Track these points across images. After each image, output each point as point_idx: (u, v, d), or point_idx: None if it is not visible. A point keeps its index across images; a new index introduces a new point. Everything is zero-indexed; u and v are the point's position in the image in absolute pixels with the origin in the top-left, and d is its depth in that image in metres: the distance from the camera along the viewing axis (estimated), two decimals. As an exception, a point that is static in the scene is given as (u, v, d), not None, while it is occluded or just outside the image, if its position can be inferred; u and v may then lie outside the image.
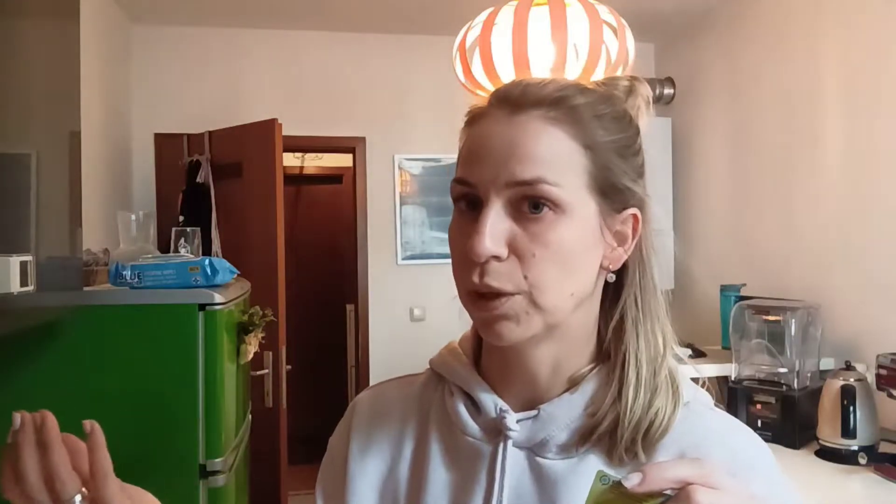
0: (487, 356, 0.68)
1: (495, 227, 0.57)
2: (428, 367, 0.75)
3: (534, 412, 0.63)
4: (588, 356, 0.65)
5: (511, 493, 0.62)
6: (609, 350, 0.64)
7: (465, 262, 0.59)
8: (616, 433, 0.60)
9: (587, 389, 0.63)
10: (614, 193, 0.61)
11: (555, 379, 0.64)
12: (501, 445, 0.63)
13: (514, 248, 0.58)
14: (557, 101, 0.59)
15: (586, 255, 0.60)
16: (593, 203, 0.60)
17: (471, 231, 0.58)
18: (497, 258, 0.58)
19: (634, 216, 0.62)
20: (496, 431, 0.64)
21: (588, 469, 0.60)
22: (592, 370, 0.64)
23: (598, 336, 0.66)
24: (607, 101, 0.62)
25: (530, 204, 0.58)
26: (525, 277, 0.58)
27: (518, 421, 0.63)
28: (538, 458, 0.62)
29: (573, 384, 0.64)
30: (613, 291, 0.65)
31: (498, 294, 0.58)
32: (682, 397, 0.62)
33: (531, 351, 0.63)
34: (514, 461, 0.63)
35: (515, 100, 0.60)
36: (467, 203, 0.61)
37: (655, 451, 0.60)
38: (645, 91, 0.67)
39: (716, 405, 0.67)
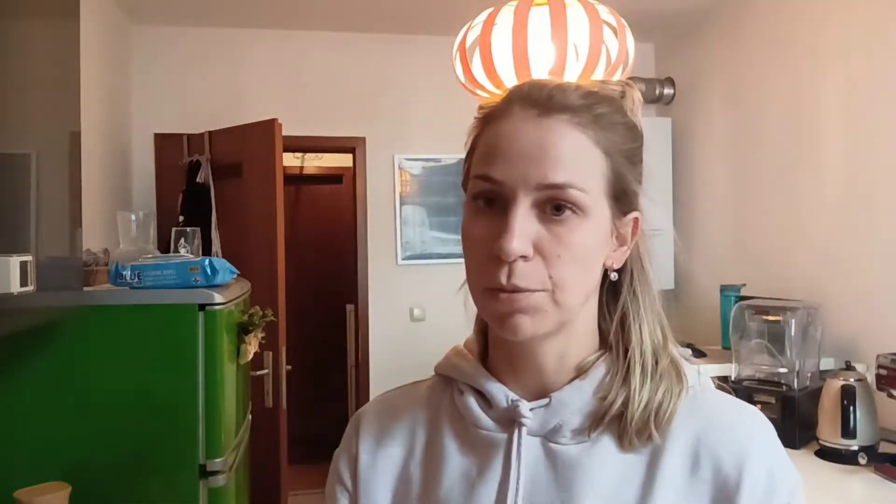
0: (494, 352, 0.70)
1: (523, 228, 0.59)
2: (433, 373, 0.76)
3: (545, 400, 0.65)
4: (591, 347, 0.68)
5: (527, 478, 0.64)
6: (611, 342, 0.67)
7: (489, 259, 0.60)
8: (625, 417, 0.63)
9: (595, 376, 0.65)
10: (624, 198, 0.64)
11: (561, 369, 0.66)
12: (516, 433, 0.65)
13: (539, 249, 0.60)
14: (582, 109, 0.61)
15: (599, 256, 0.64)
16: (607, 207, 0.63)
17: (496, 229, 0.60)
18: (524, 258, 0.59)
19: (636, 219, 0.66)
20: (509, 421, 0.66)
21: (601, 452, 0.63)
22: (599, 358, 0.67)
23: (599, 329, 0.69)
24: (620, 111, 0.65)
25: (553, 206, 0.60)
26: (550, 277, 0.60)
27: (532, 409, 0.65)
28: (552, 444, 0.64)
29: (580, 372, 0.66)
30: (613, 287, 0.68)
31: (521, 290, 0.60)
32: (688, 381, 0.65)
33: (539, 345, 0.65)
34: (528, 448, 0.65)
35: (543, 103, 0.61)
36: (486, 200, 0.62)
37: (669, 434, 0.63)
38: (636, 95, 0.69)
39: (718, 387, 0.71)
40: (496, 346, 0.69)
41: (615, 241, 0.65)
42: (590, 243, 0.62)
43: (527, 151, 0.60)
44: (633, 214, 0.66)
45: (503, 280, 0.59)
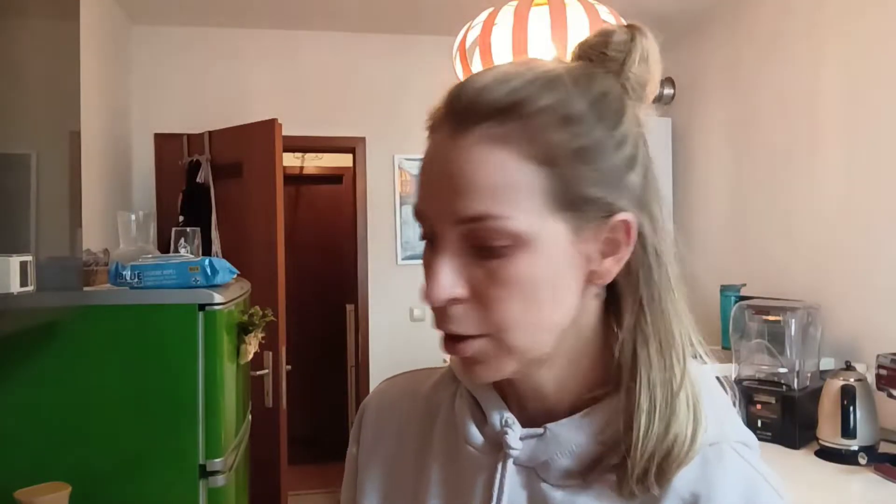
0: None
1: (451, 268, 0.52)
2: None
3: (539, 430, 0.57)
4: (597, 377, 0.57)
5: None
6: (619, 366, 0.56)
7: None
8: (625, 465, 0.53)
9: (598, 415, 0.56)
10: (588, 205, 0.52)
11: (562, 398, 0.58)
12: (501, 463, 0.58)
13: (473, 289, 0.52)
14: (509, 110, 0.50)
15: (560, 280, 0.53)
16: (560, 223, 0.51)
17: (428, 270, 0.53)
18: (457, 301, 0.52)
19: (625, 222, 0.53)
20: (499, 445, 0.59)
21: (591, 501, 0.55)
22: (606, 394, 0.56)
23: (608, 353, 0.57)
24: (584, 89, 0.53)
25: (479, 240, 0.52)
26: (489, 320, 0.52)
27: (523, 438, 0.58)
28: (540, 483, 0.57)
29: (584, 406, 0.57)
30: (617, 304, 0.56)
31: (463, 337, 0.53)
32: (703, 425, 0.53)
33: (530, 374, 0.58)
34: (513, 481, 0.58)
35: (461, 112, 0.52)
36: (425, 234, 0.55)
37: (669, 486, 0.53)
38: (646, 45, 0.57)
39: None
40: None
41: (597, 252, 0.53)
42: (535, 275, 0.51)
43: (440, 181, 0.52)
44: (620, 217, 0.53)
45: (437, 325, 0.54)
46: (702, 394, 0.55)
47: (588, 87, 0.53)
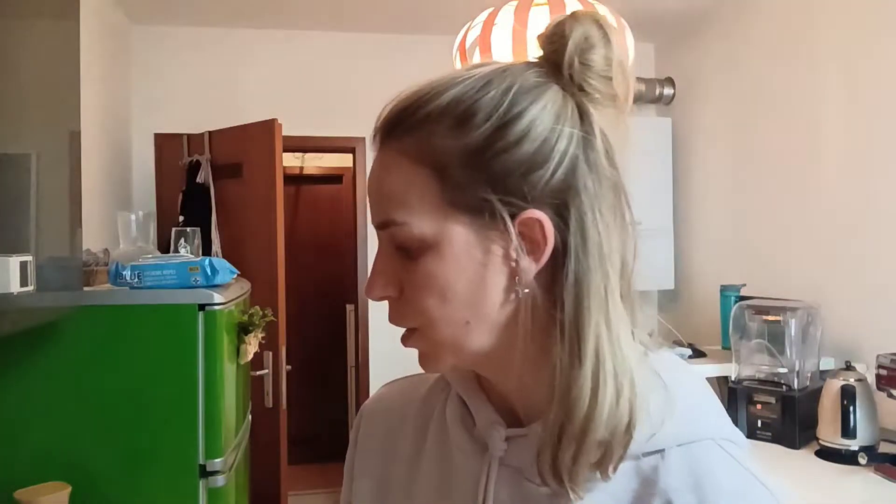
0: None
1: (383, 269, 0.57)
2: None
3: (523, 431, 0.58)
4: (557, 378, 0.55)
5: None
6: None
7: None
8: (563, 464, 0.52)
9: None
10: (486, 205, 0.52)
11: (531, 398, 0.58)
12: (487, 467, 0.59)
13: (401, 288, 0.57)
14: (401, 123, 0.55)
15: (472, 279, 0.54)
16: (460, 225, 0.53)
17: None
18: (390, 298, 0.57)
19: (536, 220, 0.52)
20: (485, 447, 0.60)
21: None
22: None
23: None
24: (493, 86, 0.53)
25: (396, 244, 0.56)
26: (415, 315, 0.56)
27: (508, 438, 0.58)
28: (526, 482, 0.57)
29: (546, 409, 0.55)
30: (551, 304, 0.54)
31: (403, 327, 0.59)
32: (636, 427, 0.52)
33: (487, 373, 0.60)
34: (501, 482, 0.58)
35: (379, 129, 0.57)
36: None
37: (657, 486, 0.53)
38: (582, 32, 0.53)
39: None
40: None
41: (514, 252, 0.53)
42: (444, 274, 0.54)
43: (369, 192, 0.58)
44: (528, 215, 0.52)
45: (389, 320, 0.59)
46: (635, 403, 0.52)
47: (497, 83, 0.53)
